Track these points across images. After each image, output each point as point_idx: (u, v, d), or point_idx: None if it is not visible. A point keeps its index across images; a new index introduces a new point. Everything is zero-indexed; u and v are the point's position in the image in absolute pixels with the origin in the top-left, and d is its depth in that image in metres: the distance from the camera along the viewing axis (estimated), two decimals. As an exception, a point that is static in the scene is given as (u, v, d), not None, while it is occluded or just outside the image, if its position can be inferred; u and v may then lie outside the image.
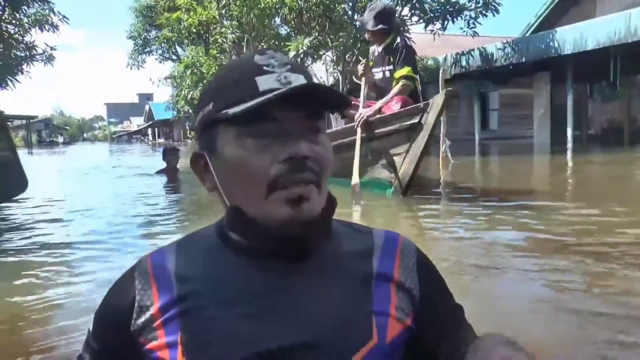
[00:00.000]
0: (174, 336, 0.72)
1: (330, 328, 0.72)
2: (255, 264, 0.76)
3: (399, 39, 5.81)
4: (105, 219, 4.97)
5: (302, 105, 0.72)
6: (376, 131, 5.53)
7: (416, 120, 5.16)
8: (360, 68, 5.93)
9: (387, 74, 5.81)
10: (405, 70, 5.58)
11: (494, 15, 13.05)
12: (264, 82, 0.72)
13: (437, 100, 5.06)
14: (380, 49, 5.88)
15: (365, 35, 6.63)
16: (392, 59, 5.72)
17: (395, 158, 5.41)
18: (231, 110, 0.71)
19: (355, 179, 5.29)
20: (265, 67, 0.74)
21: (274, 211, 0.72)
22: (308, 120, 0.74)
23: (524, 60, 14.00)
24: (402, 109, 5.34)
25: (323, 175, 0.75)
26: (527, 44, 13.94)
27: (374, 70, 6.00)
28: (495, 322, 1.97)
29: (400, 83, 5.56)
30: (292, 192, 0.71)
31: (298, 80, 0.74)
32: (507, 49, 14.20)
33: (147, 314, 0.75)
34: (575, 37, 12.46)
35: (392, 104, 5.54)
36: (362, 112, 5.60)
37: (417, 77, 5.81)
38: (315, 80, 0.78)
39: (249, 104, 0.69)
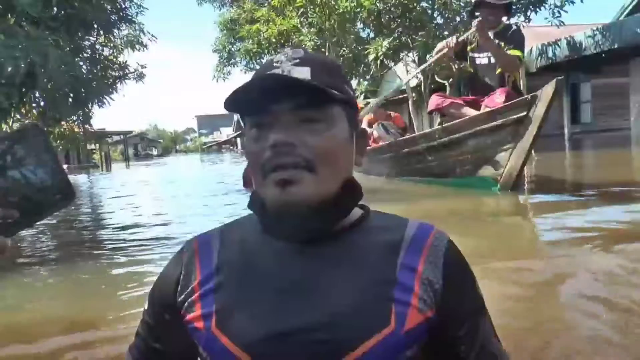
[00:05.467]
0: (209, 308, 0.79)
1: (349, 311, 0.75)
2: (286, 247, 0.82)
3: (514, 25, 5.68)
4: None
5: (292, 97, 0.77)
6: (480, 127, 5.32)
7: (523, 113, 4.93)
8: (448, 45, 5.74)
9: (492, 59, 5.54)
10: (518, 52, 5.40)
11: (581, 1, 12.44)
12: None
13: (547, 91, 4.79)
14: (491, 33, 5.49)
15: (476, 14, 5.76)
16: (503, 45, 5.44)
17: (501, 154, 5.21)
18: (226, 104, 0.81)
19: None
20: (275, 63, 0.80)
21: (267, 193, 0.79)
22: (300, 110, 0.78)
23: (616, 46, 13.22)
24: (507, 104, 5.11)
25: (318, 161, 0.78)
26: (620, 29, 13.15)
27: (476, 54, 5.72)
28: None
29: (514, 55, 5.36)
30: (277, 174, 0.77)
31: (301, 73, 0.78)
32: (598, 36, 13.47)
33: (189, 288, 0.83)
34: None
35: (496, 97, 5.33)
36: (482, 17, 5.39)
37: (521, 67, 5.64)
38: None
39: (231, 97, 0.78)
